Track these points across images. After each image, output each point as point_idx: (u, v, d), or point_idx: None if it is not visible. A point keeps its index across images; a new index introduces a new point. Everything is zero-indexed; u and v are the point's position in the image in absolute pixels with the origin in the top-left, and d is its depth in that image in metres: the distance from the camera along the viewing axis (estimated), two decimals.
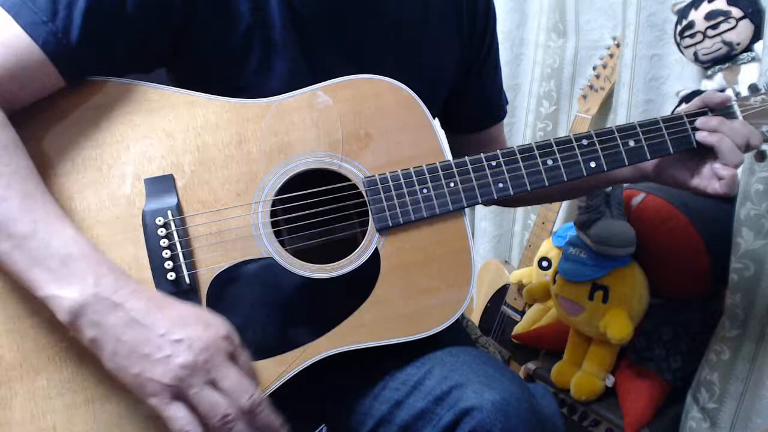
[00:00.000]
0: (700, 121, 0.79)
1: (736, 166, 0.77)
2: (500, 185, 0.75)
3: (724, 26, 1.15)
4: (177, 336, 0.56)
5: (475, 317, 1.77)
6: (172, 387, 0.56)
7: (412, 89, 0.76)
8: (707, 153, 0.79)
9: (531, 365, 1.41)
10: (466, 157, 0.76)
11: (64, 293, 0.56)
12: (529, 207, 1.80)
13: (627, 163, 0.78)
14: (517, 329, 1.57)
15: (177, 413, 0.56)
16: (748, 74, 1.15)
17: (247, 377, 0.59)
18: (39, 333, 0.62)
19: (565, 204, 1.65)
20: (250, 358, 0.62)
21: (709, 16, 1.17)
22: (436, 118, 0.98)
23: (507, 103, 1.04)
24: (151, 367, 0.56)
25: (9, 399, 0.61)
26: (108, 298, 0.56)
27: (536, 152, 0.77)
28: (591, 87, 1.51)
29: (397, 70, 0.78)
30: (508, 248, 1.90)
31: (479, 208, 1.90)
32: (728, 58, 1.18)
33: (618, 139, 0.78)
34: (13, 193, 0.58)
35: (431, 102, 0.78)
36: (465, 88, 0.94)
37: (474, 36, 0.91)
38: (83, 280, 0.57)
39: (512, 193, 0.76)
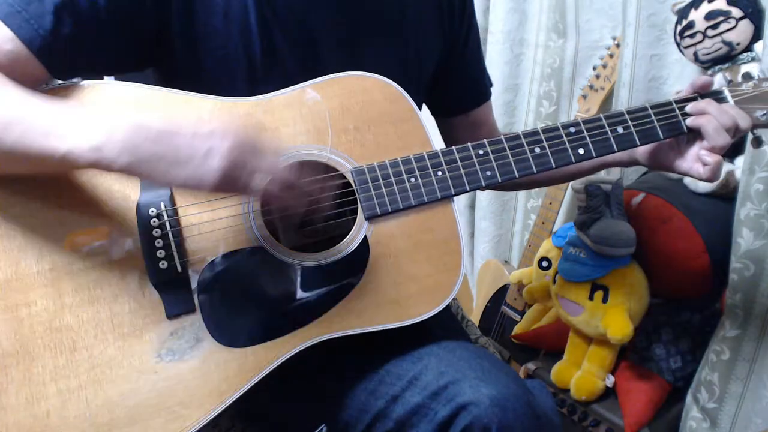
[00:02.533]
0: (690, 107, 0.79)
1: (722, 149, 0.77)
2: (488, 173, 0.76)
3: (724, 26, 1.15)
4: (206, 129, 0.59)
5: (475, 317, 1.77)
6: (232, 165, 0.59)
7: (395, 79, 0.78)
8: (695, 136, 0.80)
9: (531, 365, 1.41)
10: (453, 147, 0.77)
11: (81, 137, 0.58)
12: (528, 207, 1.80)
13: (616, 149, 0.79)
14: (517, 329, 1.57)
15: (253, 185, 0.61)
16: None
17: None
18: (35, 321, 0.64)
19: (565, 204, 1.65)
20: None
21: (709, 16, 1.17)
22: (424, 105, 1.00)
23: (491, 84, 1.05)
24: (201, 163, 0.58)
25: (6, 385, 0.63)
26: (122, 120, 0.58)
27: (523, 140, 0.78)
28: (591, 87, 1.51)
29: (380, 62, 0.80)
30: (508, 248, 1.90)
31: (479, 208, 1.90)
32: (728, 58, 1.18)
33: (606, 126, 0.79)
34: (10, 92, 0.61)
35: (416, 89, 0.79)
36: (448, 69, 0.96)
37: (453, 18, 0.92)
38: (96, 120, 0.59)
39: (500, 181, 0.77)
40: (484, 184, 0.77)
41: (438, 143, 0.80)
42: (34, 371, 0.63)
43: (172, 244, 0.68)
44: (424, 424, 0.69)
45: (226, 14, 0.75)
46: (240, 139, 0.59)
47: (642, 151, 0.86)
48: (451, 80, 0.97)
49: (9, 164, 0.62)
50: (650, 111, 0.80)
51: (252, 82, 0.77)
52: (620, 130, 0.79)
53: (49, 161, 0.59)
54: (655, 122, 0.80)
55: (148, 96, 0.71)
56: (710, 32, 1.17)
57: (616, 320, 1.16)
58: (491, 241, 1.89)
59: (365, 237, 0.74)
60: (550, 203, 1.59)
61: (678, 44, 1.26)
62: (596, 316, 1.20)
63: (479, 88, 1.03)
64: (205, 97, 0.73)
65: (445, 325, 0.75)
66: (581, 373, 1.27)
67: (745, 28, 1.15)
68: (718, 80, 1.20)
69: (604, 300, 1.19)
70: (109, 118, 0.59)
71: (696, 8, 1.19)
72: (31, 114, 0.59)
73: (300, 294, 0.72)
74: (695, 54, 1.22)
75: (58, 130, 0.58)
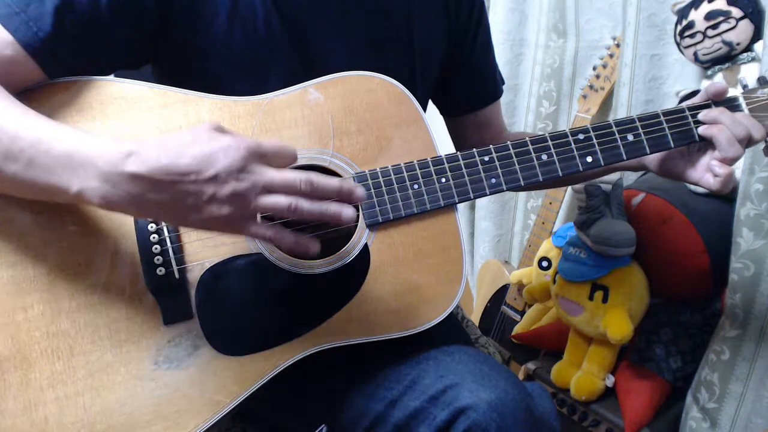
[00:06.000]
0: (702, 115, 0.77)
1: (734, 160, 0.75)
2: (492, 180, 0.75)
3: (724, 26, 1.15)
4: (208, 174, 0.55)
5: (475, 317, 1.77)
6: (234, 213, 0.56)
7: (402, 77, 0.76)
8: (707, 145, 0.78)
9: (531, 365, 1.41)
10: (457, 153, 0.76)
11: (85, 185, 0.56)
12: (528, 207, 1.80)
13: (625, 158, 0.77)
14: (517, 329, 1.57)
15: (254, 230, 0.58)
16: (748, 74, 1.15)
17: (285, 167, 0.60)
18: (32, 326, 0.64)
19: (565, 204, 1.65)
20: (273, 142, 0.60)
21: (709, 16, 1.17)
22: (431, 102, 0.98)
23: (503, 82, 1.02)
24: (206, 210, 0.56)
25: (3, 390, 0.62)
26: (122, 173, 0.55)
27: (530, 147, 0.76)
28: (591, 87, 1.51)
29: (386, 58, 0.79)
30: (508, 248, 1.90)
31: (479, 208, 1.90)
32: (728, 58, 1.18)
33: (616, 133, 0.77)
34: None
35: (423, 85, 0.76)
36: (457, 66, 0.94)
37: (461, 12, 0.90)
38: (92, 165, 0.56)
39: (505, 189, 0.75)
40: (488, 192, 0.75)
41: (443, 146, 0.79)
42: (32, 377, 0.63)
43: (170, 250, 0.67)
44: (422, 429, 0.68)
45: (230, 13, 0.74)
46: (243, 184, 0.56)
47: (651, 158, 0.84)
48: (460, 76, 0.95)
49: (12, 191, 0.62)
50: (662, 118, 0.77)
51: (254, 81, 0.76)
52: (630, 137, 0.77)
53: (58, 198, 0.59)
54: (667, 130, 0.77)
55: (144, 94, 0.70)
56: (710, 32, 1.17)
57: (616, 320, 1.16)
58: (491, 241, 1.89)
59: (366, 245, 0.73)
60: (550, 203, 1.59)
61: (678, 44, 1.26)
62: (596, 316, 1.20)
63: (489, 86, 1.00)
64: (204, 96, 0.71)
65: (445, 326, 0.74)
66: (581, 373, 1.27)
67: (745, 28, 1.15)
68: (718, 81, 1.20)
69: (604, 300, 1.19)
70: (102, 157, 0.56)
71: (696, 8, 1.19)
72: (31, 148, 0.57)
73: (299, 302, 0.71)
74: (695, 54, 1.22)
75: (62, 172, 0.57)
